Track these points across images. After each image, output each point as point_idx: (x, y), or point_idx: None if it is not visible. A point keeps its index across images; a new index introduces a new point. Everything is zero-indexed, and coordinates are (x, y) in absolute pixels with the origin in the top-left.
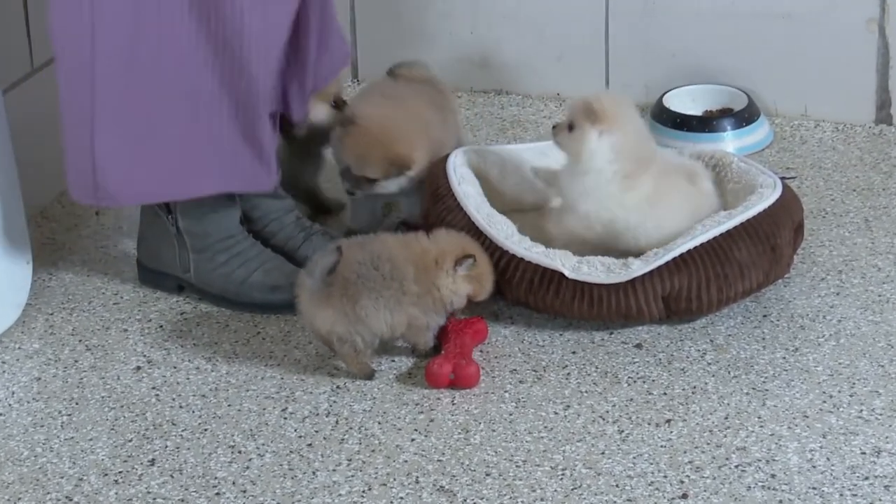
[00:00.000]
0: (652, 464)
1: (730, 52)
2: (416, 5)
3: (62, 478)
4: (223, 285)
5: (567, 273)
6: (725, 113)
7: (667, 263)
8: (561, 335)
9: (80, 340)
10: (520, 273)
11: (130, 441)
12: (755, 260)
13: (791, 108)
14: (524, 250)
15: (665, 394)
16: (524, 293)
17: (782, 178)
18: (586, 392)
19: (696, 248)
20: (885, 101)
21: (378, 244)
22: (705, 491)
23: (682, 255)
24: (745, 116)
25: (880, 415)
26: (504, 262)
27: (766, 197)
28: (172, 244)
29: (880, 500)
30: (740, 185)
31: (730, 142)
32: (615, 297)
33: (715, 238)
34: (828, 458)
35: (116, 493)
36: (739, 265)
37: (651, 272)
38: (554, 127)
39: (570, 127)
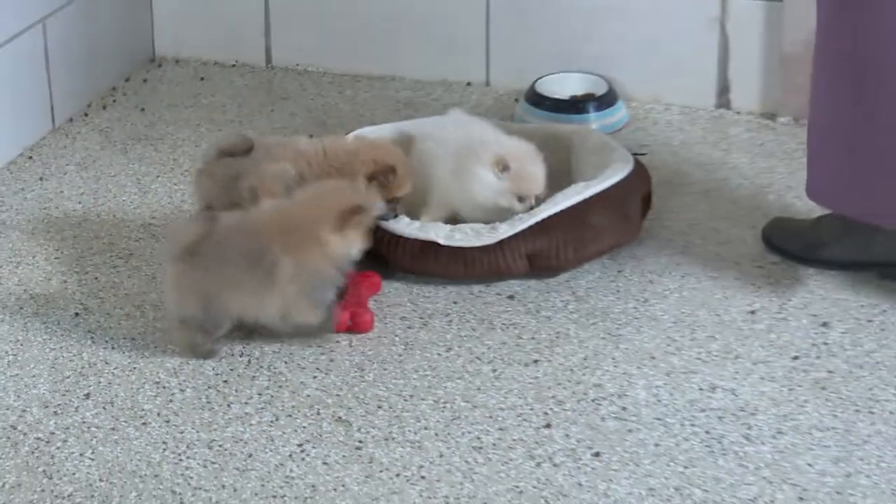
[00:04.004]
0: (521, 398)
1: (593, 43)
2: (325, 2)
3: (7, 409)
4: None
5: (441, 242)
6: (589, 97)
7: (530, 227)
8: (444, 287)
9: (24, 290)
10: (401, 247)
11: (68, 377)
12: (608, 225)
13: (644, 93)
14: (404, 227)
15: (533, 338)
16: (409, 263)
17: (634, 154)
18: (465, 336)
19: (556, 213)
20: (724, 88)
21: None
22: (566, 421)
23: (544, 220)
24: (605, 100)
25: (716, 356)
26: (388, 239)
27: (620, 171)
28: None
29: (714, 428)
30: (598, 157)
31: (593, 122)
32: (486, 257)
33: (573, 205)
34: (671, 394)
35: (56, 423)
36: (594, 229)
37: (516, 234)
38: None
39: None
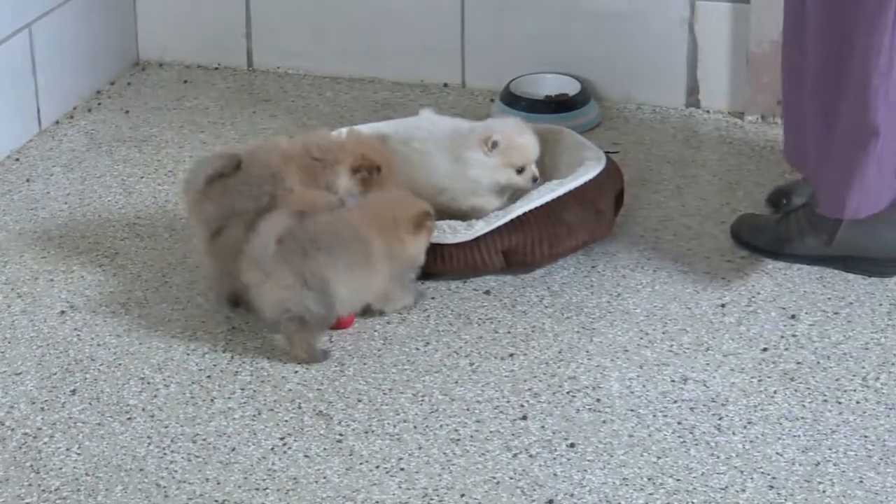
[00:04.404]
0: (497, 391)
1: (566, 45)
2: (306, 6)
3: None
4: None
5: None
6: (562, 97)
7: (506, 224)
8: (423, 283)
9: (12, 289)
10: None
11: (55, 374)
12: (581, 221)
13: (616, 93)
14: None
15: (509, 332)
16: None
17: (607, 152)
18: (443, 331)
19: (531, 210)
20: (693, 88)
21: None
22: (542, 413)
23: (519, 217)
24: (578, 100)
25: (687, 349)
26: None
27: (592, 168)
28: None
29: (686, 419)
30: (572, 157)
31: (566, 122)
32: (462, 253)
33: (548, 203)
34: (643, 385)
35: (43, 419)
36: (568, 226)
37: (492, 231)
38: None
39: None
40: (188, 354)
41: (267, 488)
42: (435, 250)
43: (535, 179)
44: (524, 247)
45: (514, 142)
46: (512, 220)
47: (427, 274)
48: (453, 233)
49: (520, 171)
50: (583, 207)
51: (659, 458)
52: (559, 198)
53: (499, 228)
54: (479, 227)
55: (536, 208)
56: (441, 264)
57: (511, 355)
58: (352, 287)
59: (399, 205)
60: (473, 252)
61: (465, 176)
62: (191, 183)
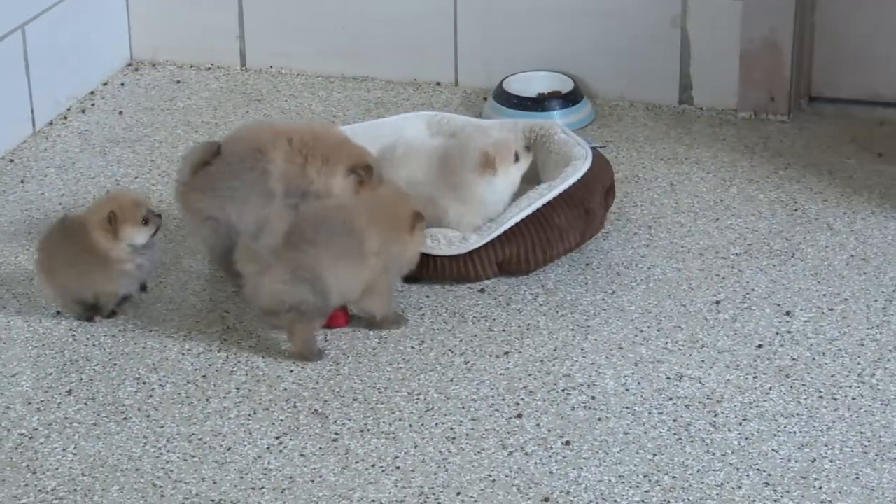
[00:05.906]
0: (493, 389)
1: (559, 43)
2: (298, 6)
3: None
4: None
5: None
6: (555, 95)
7: (499, 236)
8: (415, 283)
9: (7, 290)
10: None
11: (50, 374)
12: (572, 223)
13: (610, 91)
14: None
15: (504, 330)
16: None
17: (594, 147)
18: (438, 329)
19: (523, 219)
20: (686, 85)
21: None
22: (537, 411)
23: (511, 227)
24: (571, 98)
25: (682, 346)
26: None
27: (579, 168)
28: None
29: (681, 416)
30: (559, 155)
31: (558, 119)
32: (456, 264)
33: (538, 209)
34: (639, 383)
35: (38, 419)
36: (559, 230)
37: (486, 244)
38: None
39: None
40: (183, 354)
41: (263, 487)
42: (428, 260)
43: (527, 147)
44: (518, 256)
45: (499, 143)
46: (504, 232)
47: (419, 279)
48: (448, 244)
49: (517, 157)
50: (572, 209)
51: (654, 455)
52: (549, 202)
53: (492, 241)
54: (474, 241)
55: (527, 216)
56: (434, 273)
57: (506, 353)
58: (342, 279)
59: (396, 204)
60: (467, 264)
61: (488, 201)
62: (179, 178)
